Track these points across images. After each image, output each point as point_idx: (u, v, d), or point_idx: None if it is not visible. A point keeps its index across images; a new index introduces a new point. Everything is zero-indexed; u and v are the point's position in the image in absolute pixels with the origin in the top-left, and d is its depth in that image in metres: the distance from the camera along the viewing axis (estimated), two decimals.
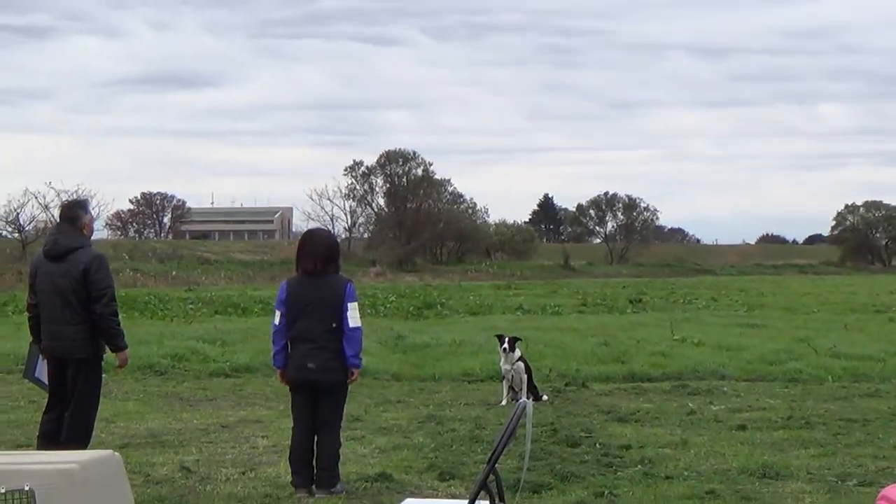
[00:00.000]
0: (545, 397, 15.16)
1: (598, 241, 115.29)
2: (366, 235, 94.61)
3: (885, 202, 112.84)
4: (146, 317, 30.75)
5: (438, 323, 28.98)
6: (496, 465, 6.19)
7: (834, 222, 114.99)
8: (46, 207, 65.38)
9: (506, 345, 15.01)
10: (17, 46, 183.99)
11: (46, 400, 9.93)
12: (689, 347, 21.30)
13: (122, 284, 50.65)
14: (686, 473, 10.07)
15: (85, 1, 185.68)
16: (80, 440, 9.35)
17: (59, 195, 62.98)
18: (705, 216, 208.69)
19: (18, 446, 11.20)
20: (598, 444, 11.52)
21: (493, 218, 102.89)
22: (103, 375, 10.04)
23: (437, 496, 9.06)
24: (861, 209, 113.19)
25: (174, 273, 64.10)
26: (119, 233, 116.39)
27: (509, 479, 8.64)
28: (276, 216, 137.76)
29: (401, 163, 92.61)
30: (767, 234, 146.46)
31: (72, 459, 6.11)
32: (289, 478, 9.51)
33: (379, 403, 14.78)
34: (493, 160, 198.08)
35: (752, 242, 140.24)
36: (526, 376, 14.93)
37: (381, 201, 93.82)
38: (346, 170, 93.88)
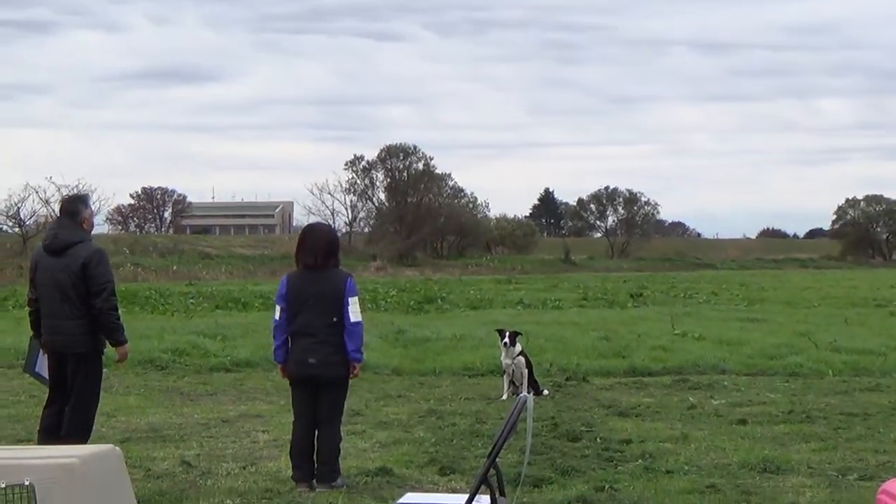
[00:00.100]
0: (546, 392, 15.16)
1: (599, 235, 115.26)
2: (366, 230, 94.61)
3: (885, 196, 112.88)
4: (147, 311, 30.75)
5: (439, 317, 28.98)
6: (497, 460, 6.19)
7: (835, 216, 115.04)
8: (47, 202, 65.51)
9: (506, 339, 15.00)
10: (18, 41, 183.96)
11: (47, 395, 9.93)
12: (690, 342, 21.30)
13: (122, 279, 50.67)
14: (687, 468, 10.07)
15: None
16: (80, 435, 9.35)
17: (59, 190, 63.11)
18: (706, 210, 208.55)
19: (19, 441, 11.21)
20: (598, 439, 11.53)
21: (494, 212, 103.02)
22: (104, 370, 10.04)
23: (437, 490, 9.06)
24: (862, 203, 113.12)
25: (175, 268, 64.11)
26: (120, 227, 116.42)
27: (510, 473, 8.64)
28: (277, 211, 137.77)
29: (401, 157, 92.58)
30: (768, 229, 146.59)
31: (72, 454, 6.11)
32: (289, 472, 9.52)
33: (379, 398, 14.78)
34: (494, 155, 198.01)
35: (753, 237, 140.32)
36: (527, 371, 14.93)
37: (382, 196, 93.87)
38: (346, 164, 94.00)
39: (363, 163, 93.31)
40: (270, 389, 15.45)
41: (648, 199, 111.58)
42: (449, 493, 8.64)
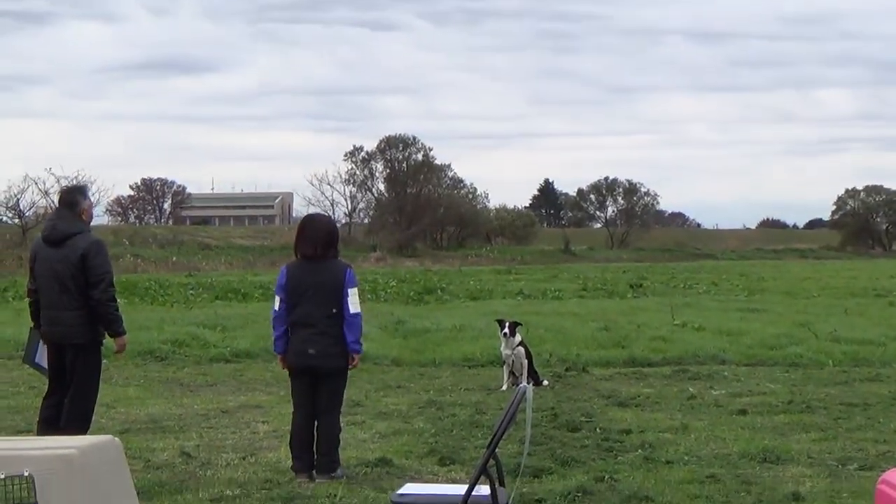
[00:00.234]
0: (546, 382, 15.15)
1: (599, 225, 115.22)
2: (366, 221, 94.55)
3: (885, 187, 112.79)
4: (147, 302, 30.75)
5: (439, 308, 28.98)
6: (496, 450, 6.19)
7: (834, 207, 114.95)
8: (46, 193, 65.39)
9: (506, 329, 15.00)
10: (15, 32, 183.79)
11: (46, 386, 9.92)
12: (690, 332, 21.29)
13: (122, 270, 50.66)
14: (686, 458, 10.07)
15: None
16: (79, 426, 9.35)
17: (58, 181, 63.00)
18: (706, 201, 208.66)
19: (18, 432, 11.21)
20: (598, 429, 11.53)
21: (494, 203, 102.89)
22: (103, 361, 10.04)
23: (437, 481, 9.07)
24: (861, 194, 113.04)
25: (174, 259, 64.06)
26: (119, 219, 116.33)
27: (509, 463, 8.64)
28: (277, 201, 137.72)
29: (401, 148, 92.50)
30: (768, 219, 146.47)
31: (71, 445, 6.11)
32: (289, 463, 9.52)
33: (379, 388, 14.78)
34: (493, 145, 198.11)
35: (753, 227, 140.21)
36: (526, 361, 14.93)
37: (382, 186, 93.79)
38: (346, 155, 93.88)
39: (362, 153, 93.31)
40: (270, 380, 15.46)
41: (648, 190, 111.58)
42: (449, 483, 8.65)
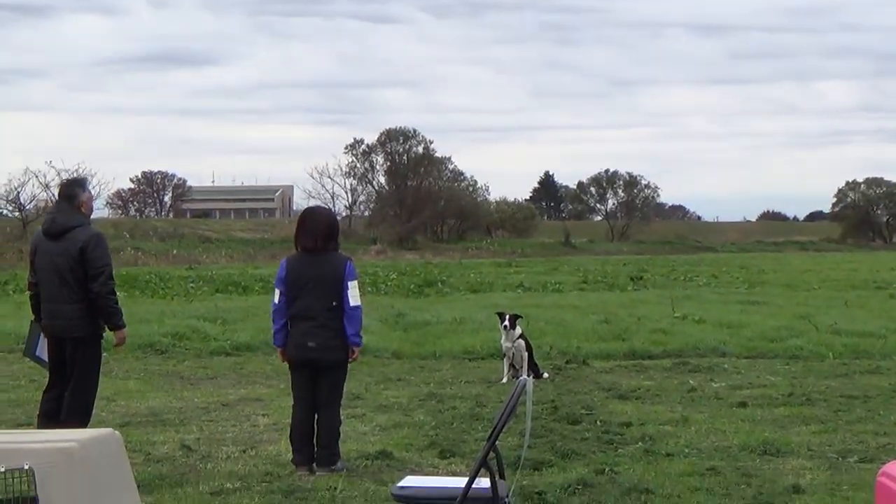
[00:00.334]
0: (546, 375, 15.16)
1: (599, 218, 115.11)
2: (366, 213, 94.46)
3: (886, 179, 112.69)
4: (147, 295, 30.74)
5: (439, 301, 28.97)
6: (497, 443, 6.19)
7: (835, 199, 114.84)
8: (47, 186, 65.33)
9: (506, 322, 15.00)
10: (14, 24, 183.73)
11: (47, 379, 9.92)
12: (690, 325, 21.29)
13: (123, 263, 50.65)
14: (687, 450, 10.07)
15: None
16: (79, 419, 9.35)
17: (59, 174, 62.93)
18: (706, 193, 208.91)
19: (19, 425, 11.21)
20: (598, 422, 11.53)
21: (494, 196, 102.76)
22: (103, 354, 10.04)
23: (437, 474, 9.07)
24: (862, 186, 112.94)
25: (175, 252, 64.03)
26: (120, 212, 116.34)
27: (510, 456, 8.64)
28: (277, 194, 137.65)
29: (401, 141, 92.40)
30: (768, 212, 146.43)
31: (71, 438, 6.11)
32: (289, 456, 9.52)
33: (379, 381, 14.78)
34: (494, 138, 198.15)
35: (753, 219, 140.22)
36: (527, 354, 14.93)
37: (382, 179, 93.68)
38: (346, 148, 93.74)
39: (363, 146, 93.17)
40: (270, 373, 15.46)
41: (648, 182, 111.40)
42: (449, 476, 8.64)
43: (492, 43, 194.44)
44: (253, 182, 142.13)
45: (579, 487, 8.55)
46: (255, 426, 11.50)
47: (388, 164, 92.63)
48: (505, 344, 15.02)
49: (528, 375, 13.85)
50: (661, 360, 17.09)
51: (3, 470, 5.76)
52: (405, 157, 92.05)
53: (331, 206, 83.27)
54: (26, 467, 5.81)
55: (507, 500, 6.28)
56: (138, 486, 6.76)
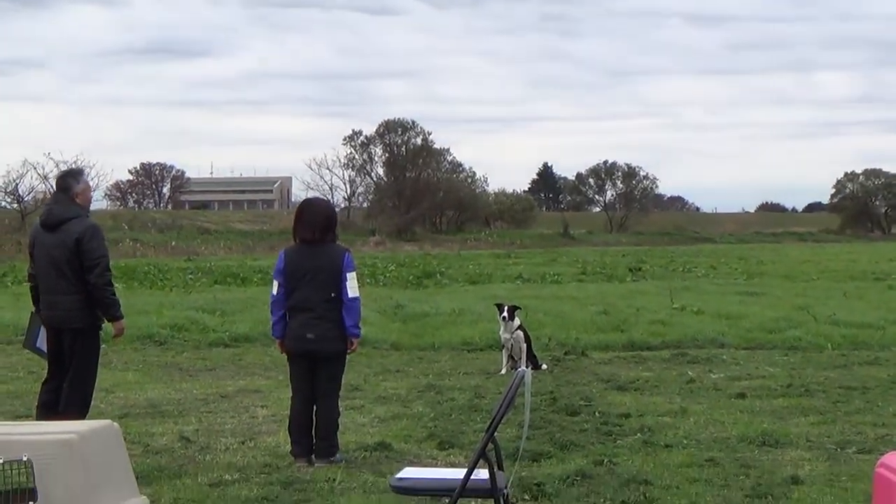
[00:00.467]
0: (544, 366, 15.16)
1: (598, 209, 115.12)
2: (365, 205, 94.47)
3: (884, 170, 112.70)
4: (146, 287, 30.73)
5: (438, 292, 28.96)
6: (495, 434, 6.19)
7: (833, 190, 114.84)
8: (45, 178, 65.28)
9: (505, 313, 14.99)
10: (12, 15, 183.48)
11: (46, 370, 9.91)
12: (689, 316, 21.29)
13: (121, 255, 50.65)
14: (685, 441, 10.08)
15: None
16: (78, 410, 9.34)
17: (57, 165, 62.85)
18: (704, 184, 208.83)
19: (18, 417, 11.21)
20: (597, 413, 11.53)
21: (493, 187, 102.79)
22: (102, 345, 10.03)
23: (436, 465, 9.07)
24: (860, 177, 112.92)
25: (174, 243, 64.03)
26: (119, 203, 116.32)
27: (508, 447, 8.64)
28: (276, 186, 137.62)
29: (400, 132, 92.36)
30: (767, 203, 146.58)
31: (70, 430, 6.11)
32: (288, 447, 9.52)
33: (378, 373, 14.78)
34: (492, 129, 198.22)
35: (752, 210, 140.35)
36: (525, 345, 14.93)
37: (381, 171, 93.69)
38: (345, 139, 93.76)
39: (361, 138, 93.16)
40: (269, 365, 15.46)
41: (647, 174, 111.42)
42: (448, 467, 8.65)
43: (491, 34, 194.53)
44: (251, 173, 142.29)
45: (578, 479, 8.54)
46: (254, 418, 11.49)
47: (387, 155, 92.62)
48: (503, 335, 15.02)
49: (527, 367, 13.86)
50: (660, 351, 17.09)
51: (1, 462, 5.76)
52: (404, 149, 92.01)
53: (329, 197, 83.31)
54: (25, 459, 5.81)
55: (505, 491, 6.29)
56: (137, 478, 6.77)
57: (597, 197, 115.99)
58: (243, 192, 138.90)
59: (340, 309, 9.29)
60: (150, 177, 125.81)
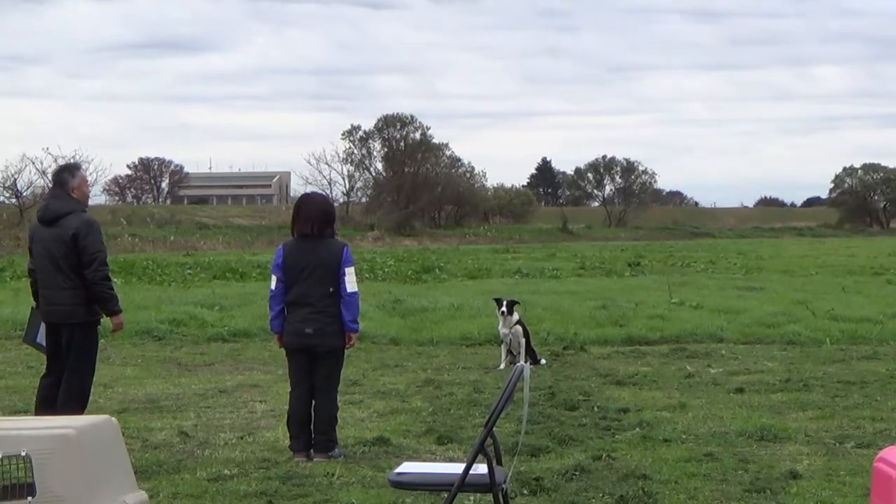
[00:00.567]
0: (543, 361, 15.16)
1: (597, 204, 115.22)
2: (364, 200, 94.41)
3: (883, 165, 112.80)
4: (144, 282, 30.71)
5: (437, 287, 28.95)
6: (494, 429, 6.19)
7: (832, 185, 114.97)
8: (44, 173, 65.11)
9: (504, 308, 14.99)
10: (11, 10, 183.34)
11: (45, 365, 9.91)
12: (688, 310, 21.29)
13: (120, 250, 50.62)
14: (684, 436, 10.08)
15: None
16: (76, 405, 9.34)
17: (55, 160, 62.77)
18: (703, 179, 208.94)
19: (16, 412, 11.21)
20: (596, 408, 11.53)
21: (492, 182, 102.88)
22: (100, 340, 10.02)
23: (435, 460, 9.07)
24: (859, 172, 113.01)
25: (172, 238, 63.97)
26: (117, 198, 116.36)
27: (507, 442, 8.65)
28: (274, 181, 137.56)
29: (398, 127, 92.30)
30: (766, 197, 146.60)
31: (68, 425, 6.11)
32: (287, 442, 9.52)
33: (377, 367, 14.78)
34: (491, 124, 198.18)
35: (751, 205, 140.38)
36: (524, 340, 14.93)
37: (379, 165, 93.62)
38: (343, 134, 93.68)
39: (360, 132, 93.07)
40: (268, 359, 15.46)
41: (646, 168, 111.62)
42: (446, 462, 8.64)
43: (489, 29, 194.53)
44: (250, 168, 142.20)
45: (576, 473, 8.55)
46: (253, 412, 11.50)
47: (386, 150, 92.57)
48: (502, 330, 15.02)
49: (526, 361, 13.86)
50: (659, 345, 17.10)
51: (0, 456, 5.76)
52: (402, 144, 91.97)
53: (328, 192, 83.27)
54: (23, 454, 5.81)
55: (504, 486, 6.29)
56: (136, 473, 6.76)
57: (595, 192, 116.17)
58: (242, 187, 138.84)
59: (339, 303, 9.29)
60: (148, 172, 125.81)
